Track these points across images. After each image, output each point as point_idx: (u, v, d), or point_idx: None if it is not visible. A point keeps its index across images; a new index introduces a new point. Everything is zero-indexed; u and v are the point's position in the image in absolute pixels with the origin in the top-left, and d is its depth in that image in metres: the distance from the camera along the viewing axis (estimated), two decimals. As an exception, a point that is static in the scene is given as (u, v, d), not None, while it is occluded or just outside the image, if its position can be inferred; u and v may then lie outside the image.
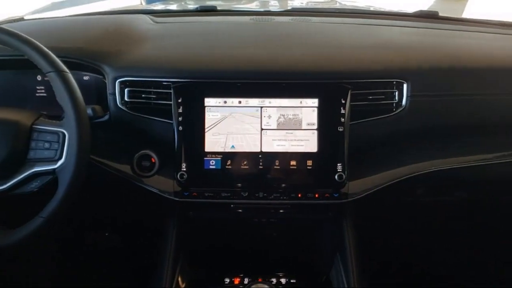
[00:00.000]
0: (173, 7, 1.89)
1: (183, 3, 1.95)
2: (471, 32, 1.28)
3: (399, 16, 1.44)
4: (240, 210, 1.04)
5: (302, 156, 0.96)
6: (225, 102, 0.95)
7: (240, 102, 0.96)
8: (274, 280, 1.10)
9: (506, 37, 1.26)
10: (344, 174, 0.95)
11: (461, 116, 1.04)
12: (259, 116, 0.96)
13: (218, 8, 1.43)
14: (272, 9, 1.65)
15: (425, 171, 1.00)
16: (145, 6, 2.49)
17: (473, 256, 1.40)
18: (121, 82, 0.97)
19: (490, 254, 1.39)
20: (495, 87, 1.03)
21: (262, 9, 1.65)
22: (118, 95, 0.97)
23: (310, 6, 1.85)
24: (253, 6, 1.82)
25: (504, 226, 1.29)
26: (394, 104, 0.99)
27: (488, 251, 1.37)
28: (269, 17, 1.34)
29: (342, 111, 0.95)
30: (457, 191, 1.20)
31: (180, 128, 0.95)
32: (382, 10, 1.68)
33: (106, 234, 1.45)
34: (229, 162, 0.95)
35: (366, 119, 0.98)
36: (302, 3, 2.00)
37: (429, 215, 1.25)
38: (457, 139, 1.06)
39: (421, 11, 1.39)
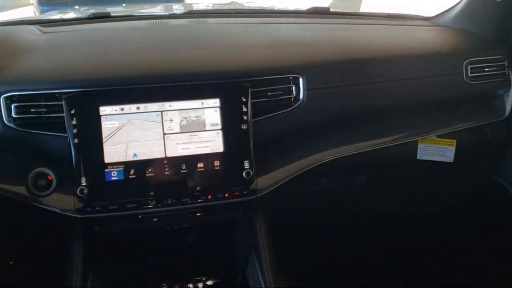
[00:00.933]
0: (68, 15, 1.79)
1: (77, 12, 1.86)
2: (360, 25, 1.36)
3: (294, 14, 1.49)
4: (149, 220, 1.01)
5: (208, 157, 0.95)
6: (122, 109, 0.92)
7: (138, 108, 0.93)
8: (191, 286, 1.09)
9: (392, 28, 1.36)
10: (252, 171, 0.97)
11: (356, 105, 1.10)
12: (160, 121, 0.93)
13: (112, 14, 1.38)
14: (170, 13, 1.62)
15: (327, 160, 1.05)
16: (37, 16, 2.34)
17: (384, 239, 1.49)
18: (6, 98, 0.90)
19: (397, 234, 1.49)
20: (382, 75, 1.11)
21: (160, 13, 1.61)
22: (4, 112, 0.90)
23: (208, 8, 1.86)
24: (157, 10, 1.78)
25: (404, 205, 1.39)
26: (292, 99, 1.02)
27: (393, 231, 1.46)
28: (165, 20, 1.32)
29: (244, 109, 0.96)
30: (357, 176, 1.26)
31: (76, 140, 0.90)
32: (277, 8, 1.73)
33: (11, 262, 1.34)
34: (132, 172, 0.92)
35: (268, 115, 1.01)
36: (207, 6, 2.00)
37: (336, 202, 1.31)
38: (355, 127, 1.12)
39: (314, 7, 1.46)
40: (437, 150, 1.25)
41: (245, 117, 0.97)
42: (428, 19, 1.47)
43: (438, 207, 1.44)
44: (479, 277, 1.41)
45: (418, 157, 1.24)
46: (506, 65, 1.24)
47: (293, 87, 1.02)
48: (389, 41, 1.23)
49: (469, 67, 1.19)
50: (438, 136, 1.23)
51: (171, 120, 0.94)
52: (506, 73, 1.24)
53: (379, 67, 1.11)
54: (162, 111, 0.94)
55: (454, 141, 1.24)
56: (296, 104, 1.02)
